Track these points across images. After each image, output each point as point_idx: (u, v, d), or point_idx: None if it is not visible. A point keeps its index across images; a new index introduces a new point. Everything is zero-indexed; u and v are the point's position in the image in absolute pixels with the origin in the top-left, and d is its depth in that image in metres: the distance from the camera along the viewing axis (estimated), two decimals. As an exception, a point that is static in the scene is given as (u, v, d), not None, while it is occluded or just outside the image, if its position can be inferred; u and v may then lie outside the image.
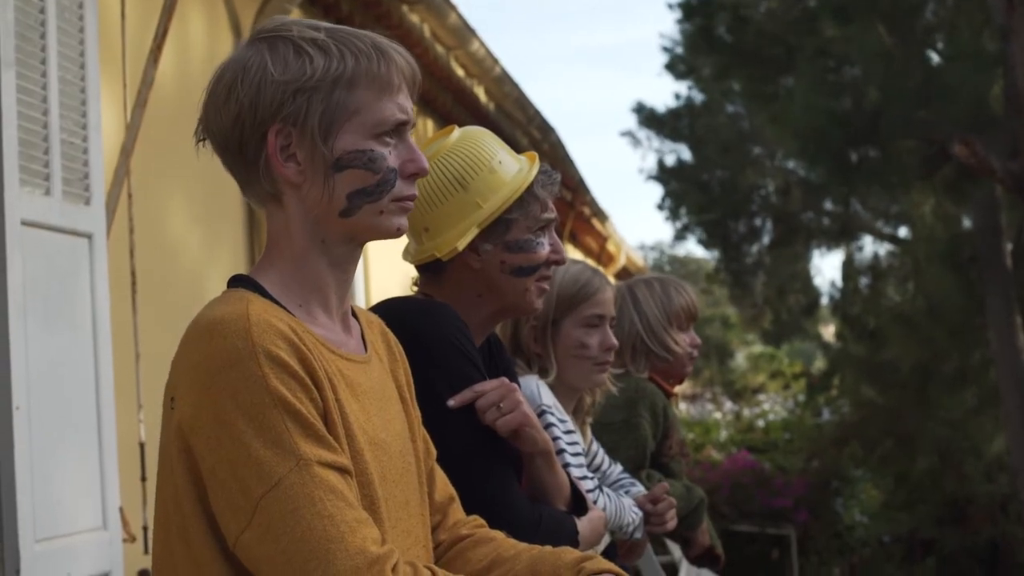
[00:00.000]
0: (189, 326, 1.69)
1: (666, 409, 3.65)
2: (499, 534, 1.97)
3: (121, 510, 3.94)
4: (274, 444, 1.58)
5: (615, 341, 3.08)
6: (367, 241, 1.83)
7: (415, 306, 2.33)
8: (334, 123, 1.74)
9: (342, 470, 1.62)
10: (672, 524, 3.19)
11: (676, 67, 15.45)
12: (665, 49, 15.52)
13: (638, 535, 3.07)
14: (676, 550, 6.25)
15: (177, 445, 1.64)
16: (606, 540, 2.89)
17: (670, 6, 13.80)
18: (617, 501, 2.99)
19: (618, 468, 3.30)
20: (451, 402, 2.20)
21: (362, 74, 1.74)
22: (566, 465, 2.72)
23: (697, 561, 3.84)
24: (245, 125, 1.72)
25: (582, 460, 2.89)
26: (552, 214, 2.48)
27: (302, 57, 1.72)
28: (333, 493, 1.58)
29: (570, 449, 2.82)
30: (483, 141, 2.46)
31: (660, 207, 16.29)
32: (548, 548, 1.89)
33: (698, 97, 15.96)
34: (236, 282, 1.78)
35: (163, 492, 1.69)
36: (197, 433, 1.61)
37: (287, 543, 1.56)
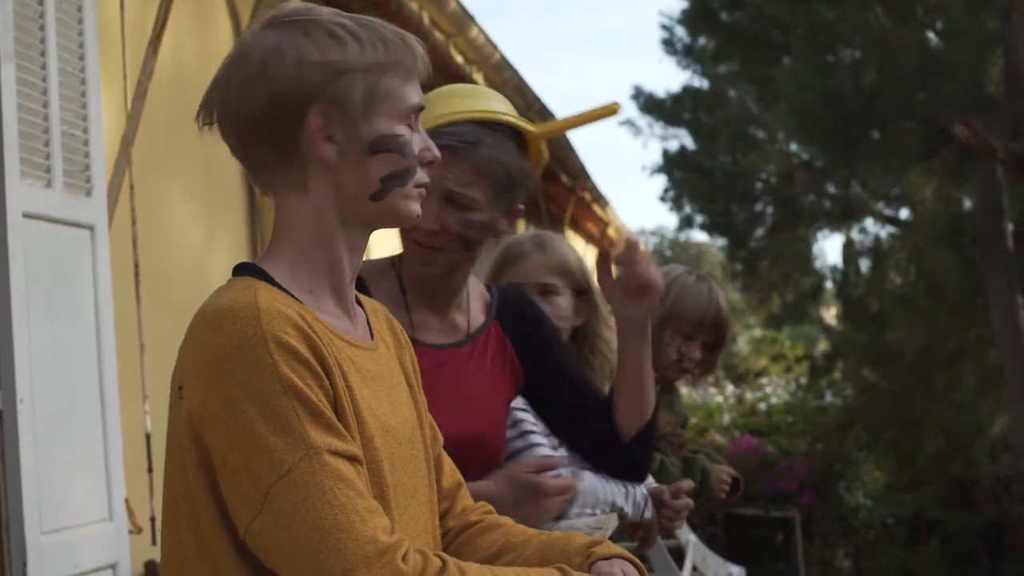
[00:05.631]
0: (196, 315, 1.69)
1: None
2: (508, 520, 1.97)
3: (127, 501, 3.95)
4: (284, 432, 1.58)
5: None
6: (386, 226, 1.85)
7: None
8: (371, 105, 1.75)
9: (352, 458, 1.62)
10: (681, 523, 3.16)
11: (674, 46, 15.39)
12: (664, 27, 15.46)
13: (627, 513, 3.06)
14: (683, 534, 6.25)
15: (188, 435, 1.63)
16: (614, 525, 2.88)
17: (672, -17, 13.80)
18: (603, 483, 3.00)
19: None
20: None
21: (393, 61, 1.77)
22: (535, 445, 2.74)
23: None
24: (283, 104, 1.71)
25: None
26: None
27: (338, 41, 1.73)
28: (343, 482, 1.58)
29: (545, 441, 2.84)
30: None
31: (662, 199, 16.25)
32: (558, 533, 1.90)
33: (699, 82, 15.92)
34: (241, 270, 1.77)
35: (172, 483, 1.69)
36: (207, 422, 1.61)
37: (297, 532, 1.55)
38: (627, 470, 2.68)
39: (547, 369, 2.53)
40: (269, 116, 1.72)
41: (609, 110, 2.48)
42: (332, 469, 1.58)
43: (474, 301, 2.54)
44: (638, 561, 1.83)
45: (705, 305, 3.52)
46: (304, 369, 1.62)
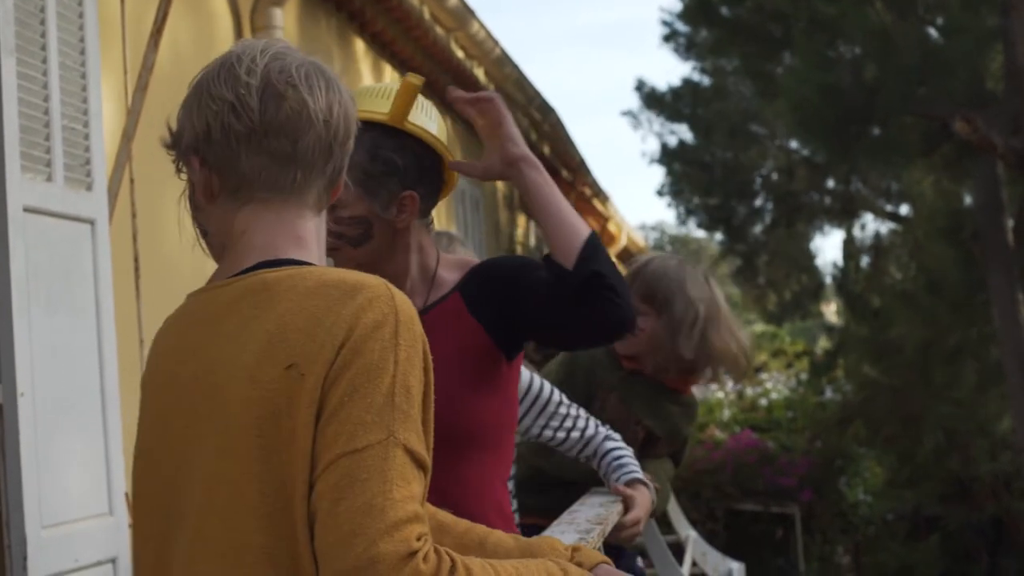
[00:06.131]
0: (308, 289, 1.66)
1: (596, 372, 3.64)
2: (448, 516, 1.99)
3: (127, 496, 3.95)
4: (377, 412, 1.57)
5: None
6: None
7: None
8: None
9: (421, 464, 1.61)
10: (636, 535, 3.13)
11: (675, 40, 15.38)
12: (665, 23, 15.46)
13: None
14: (682, 530, 6.26)
15: (311, 415, 1.60)
16: (614, 519, 2.88)
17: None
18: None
19: (602, 432, 3.22)
20: None
21: None
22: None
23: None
24: (353, 127, 1.79)
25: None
26: None
27: None
28: (404, 480, 1.57)
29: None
30: None
31: (660, 193, 16.26)
32: (535, 540, 1.94)
33: (700, 77, 15.91)
34: (284, 264, 1.75)
35: (246, 473, 1.62)
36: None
37: (344, 507, 1.54)
38: (588, 297, 2.37)
39: (528, 314, 2.44)
40: (349, 138, 1.78)
41: (409, 83, 2.44)
42: (401, 464, 1.57)
43: (446, 277, 2.52)
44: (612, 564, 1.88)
45: (662, 276, 3.61)
46: (418, 360, 1.63)
